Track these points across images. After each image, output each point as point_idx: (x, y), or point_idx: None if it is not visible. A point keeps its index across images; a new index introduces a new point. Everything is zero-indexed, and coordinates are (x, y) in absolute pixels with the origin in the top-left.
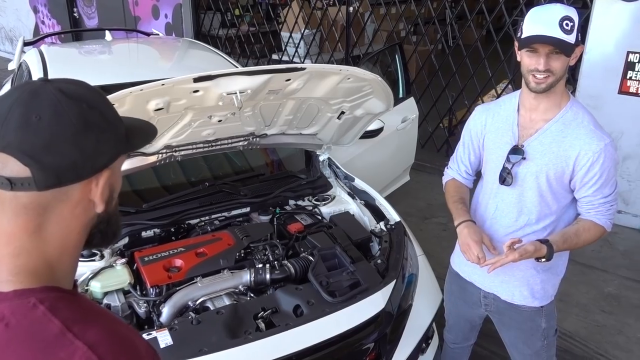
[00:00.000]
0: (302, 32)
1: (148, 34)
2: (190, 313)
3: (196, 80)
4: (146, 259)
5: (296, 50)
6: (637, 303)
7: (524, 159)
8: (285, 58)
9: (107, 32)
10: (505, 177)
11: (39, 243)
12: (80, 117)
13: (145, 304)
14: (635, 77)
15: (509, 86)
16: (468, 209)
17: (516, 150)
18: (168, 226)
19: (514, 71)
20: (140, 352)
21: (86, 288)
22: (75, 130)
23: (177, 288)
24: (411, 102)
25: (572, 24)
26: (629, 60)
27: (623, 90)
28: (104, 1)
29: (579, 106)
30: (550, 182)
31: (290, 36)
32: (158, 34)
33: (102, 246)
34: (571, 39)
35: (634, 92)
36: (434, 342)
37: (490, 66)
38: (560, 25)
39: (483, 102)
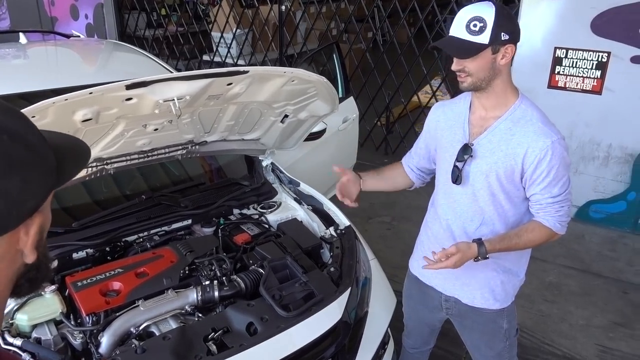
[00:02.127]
0: (234, 31)
1: (68, 36)
2: (134, 341)
3: (129, 87)
4: (79, 283)
5: (228, 51)
6: (576, 290)
7: (471, 157)
8: (217, 59)
9: (21, 34)
10: (458, 176)
11: None
12: (1, 155)
13: (81, 335)
14: (563, 71)
15: (442, 84)
16: (375, 174)
17: (466, 148)
18: (102, 245)
19: (445, 68)
20: None
21: (11, 322)
22: None
23: (117, 314)
24: (351, 101)
25: (481, 24)
26: (556, 55)
27: (552, 85)
28: (15, 1)
29: (528, 103)
30: (501, 181)
31: (222, 36)
32: (79, 36)
33: (30, 293)
34: (481, 39)
35: (562, 86)
36: (390, 346)
37: (425, 63)
38: (467, 27)
39: (419, 98)
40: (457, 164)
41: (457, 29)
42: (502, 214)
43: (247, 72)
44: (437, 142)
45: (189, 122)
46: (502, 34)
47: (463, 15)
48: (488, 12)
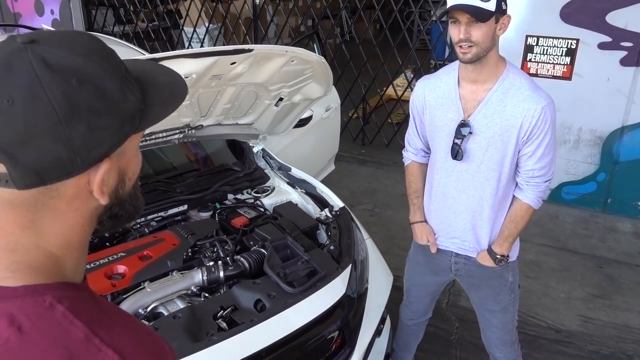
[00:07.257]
0: (207, 26)
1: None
2: (143, 322)
3: None
4: None
5: (202, 46)
6: (555, 267)
7: (471, 133)
8: None
9: None
10: (457, 152)
11: (35, 238)
12: (66, 100)
13: None
14: (534, 59)
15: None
16: (417, 201)
17: (464, 125)
18: (100, 232)
19: (414, 60)
20: (165, 352)
21: None
22: (58, 120)
23: (124, 296)
24: (333, 90)
25: None
26: (527, 43)
27: (524, 72)
28: None
29: (515, 71)
30: (500, 152)
31: (194, 31)
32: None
33: (116, 229)
34: (490, 6)
35: (534, 72)
36: (387, 324)
37: (400, 54)
38: None
39: (395, 90)
40: (457, 140)
41: None
42: (503, 180)
43: (251, 50)
44: (428, 120)
45: (188, 105)
46: (503, 3)
47: None
48: None
